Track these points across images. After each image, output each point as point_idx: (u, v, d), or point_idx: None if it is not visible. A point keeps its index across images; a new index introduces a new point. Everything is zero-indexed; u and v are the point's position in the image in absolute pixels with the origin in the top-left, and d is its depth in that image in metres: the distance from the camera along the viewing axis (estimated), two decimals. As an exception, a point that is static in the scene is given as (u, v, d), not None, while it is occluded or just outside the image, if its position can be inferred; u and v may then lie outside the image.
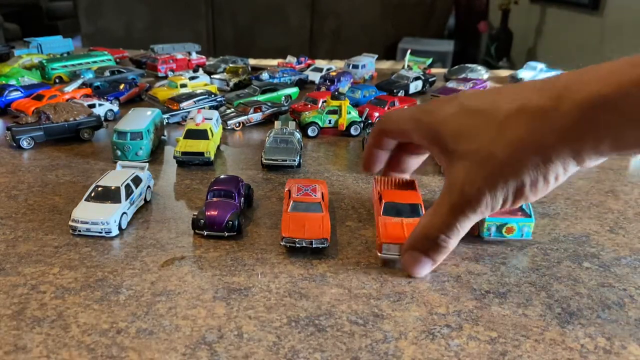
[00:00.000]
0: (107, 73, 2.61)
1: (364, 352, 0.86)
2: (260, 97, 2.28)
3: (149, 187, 1.40)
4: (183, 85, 2.37)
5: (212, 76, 2.68)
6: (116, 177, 1.33)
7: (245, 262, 1.12)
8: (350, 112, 1.99)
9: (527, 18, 5.61)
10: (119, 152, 1.67)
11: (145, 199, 1.37)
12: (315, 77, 2.74)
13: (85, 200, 1.27)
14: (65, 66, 2.71)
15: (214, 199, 1.28)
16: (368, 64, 2.88)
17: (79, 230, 1.20)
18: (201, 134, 1.70)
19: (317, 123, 1.96)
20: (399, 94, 2.52)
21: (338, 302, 0.99)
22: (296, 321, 0.93)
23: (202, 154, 1.64)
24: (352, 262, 1.13)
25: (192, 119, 1.77)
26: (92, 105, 2.04)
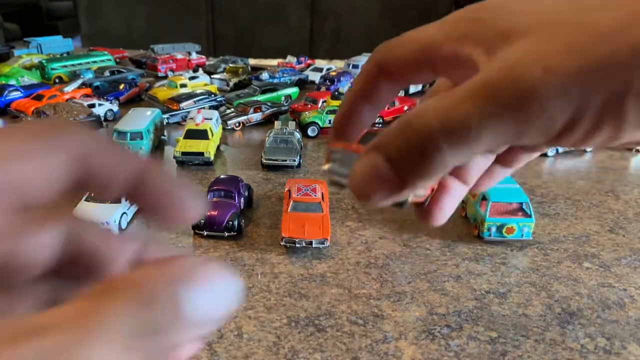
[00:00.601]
0: (107, 73, 2.61)
1: (364, 352, 0.86)
2: (260, 97, 2.28)
3: (149, 187, 1.40)
4: (183, 85, 2.37)
5: (212, 76, 2.68)
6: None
7: (245, 262, 1.12)
8: (350, 112, 1.99)
9: (527, 18, 5.61)
10: (119, 152, 1.66)
11: (145, 199, 1.37)
12: (315, 77, 2.75)
13: (85, 200, 1.26)
14: (65, 66, 2.71)
15: (214, 199, 1.28)
16: (368, 64, 2.89)
17: (79, 230, 1.20)
18: (201, 134, 1.70)
19: (317, 123, 1.96)
20: (399, 94, 2.52)
21: (338, 302, 0.99)
22: (296, 321, 0.93)
23: (202, 154, 1.64)
24: (352, 262, 1.13)
25: (192, 119, 1.77)
26: (92, 105, 2.04)
